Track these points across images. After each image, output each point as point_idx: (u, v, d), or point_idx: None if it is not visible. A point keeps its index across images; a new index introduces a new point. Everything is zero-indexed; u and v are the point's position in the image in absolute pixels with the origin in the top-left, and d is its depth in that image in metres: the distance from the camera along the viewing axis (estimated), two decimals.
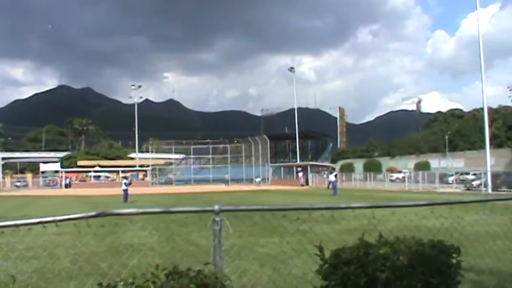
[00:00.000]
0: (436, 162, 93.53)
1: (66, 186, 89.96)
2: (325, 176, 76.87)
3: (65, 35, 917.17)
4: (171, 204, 33.88)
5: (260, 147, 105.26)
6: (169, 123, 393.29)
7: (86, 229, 5.16)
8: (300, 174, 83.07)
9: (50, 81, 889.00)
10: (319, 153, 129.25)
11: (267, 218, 6.08)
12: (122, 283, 3.89)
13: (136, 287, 3.85)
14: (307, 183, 78.80)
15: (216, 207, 4.59)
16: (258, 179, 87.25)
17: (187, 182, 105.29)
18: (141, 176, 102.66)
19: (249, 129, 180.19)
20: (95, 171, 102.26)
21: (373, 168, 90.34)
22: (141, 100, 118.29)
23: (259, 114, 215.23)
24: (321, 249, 4.60)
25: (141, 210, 4.76)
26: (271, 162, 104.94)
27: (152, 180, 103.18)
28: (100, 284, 3.88)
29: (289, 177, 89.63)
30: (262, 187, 75.17)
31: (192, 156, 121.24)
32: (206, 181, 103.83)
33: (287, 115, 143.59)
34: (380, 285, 4.36)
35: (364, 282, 4.36)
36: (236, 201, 38.02)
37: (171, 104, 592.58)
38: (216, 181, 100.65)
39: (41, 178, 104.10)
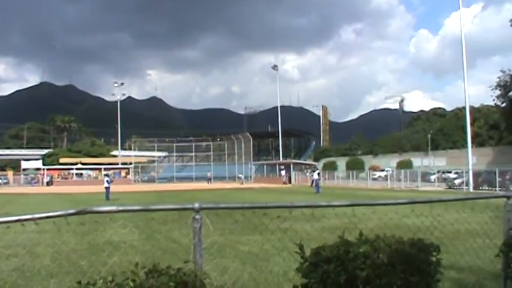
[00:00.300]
0: (419, 161, 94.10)
1: (48, 183, 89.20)
2: (307, 174, 77.12)
3: (47, 31, 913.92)
4: (153, 202, 33.81)
5: (243, 145, 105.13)
6: (152, 121, 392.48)
7: (66, 227, 5.14)
8: (283, 172, 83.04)
9: (31, 78, 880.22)
10: (302, 151, 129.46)
11: (248, 216, 6.08)
12: (101, 281, 3.85)
13: (115, 285, 3.80)
14: (290, 181, 78.88)
15: (196, 205, 4.56)
16: (241, 175, 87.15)
17: (169, 179, 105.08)
18: (123, 173, 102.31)
19: (232, 127, 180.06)
20: (77, 169, 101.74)
21: (356, 166, 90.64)
22: (124, 97, 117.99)
23: (242, 112, 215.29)
24: (301, 247, 4.60)
25: (121, 208, 4.71)
26: (254, 160, 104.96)
27: (135, 178, 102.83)
28: (79, 282, 3.85)
29: (272, 175, 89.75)
30: (245, 185, 75.09)
31: (174, 154, 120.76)
32: (189, 179, 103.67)
33: (270, 113, 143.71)
34: (360, 283, 4.36)
35: (344, 280, 4.36)
36: (218, 199, 38.02)
37: (154, 101, 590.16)
38: (198, 179, 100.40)
39: (22, 175, 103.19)
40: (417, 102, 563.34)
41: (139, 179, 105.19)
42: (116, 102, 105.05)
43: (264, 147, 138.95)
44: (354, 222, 6.45)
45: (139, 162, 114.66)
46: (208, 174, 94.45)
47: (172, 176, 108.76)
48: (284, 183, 77.43)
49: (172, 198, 41.66)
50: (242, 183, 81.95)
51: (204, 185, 79.26)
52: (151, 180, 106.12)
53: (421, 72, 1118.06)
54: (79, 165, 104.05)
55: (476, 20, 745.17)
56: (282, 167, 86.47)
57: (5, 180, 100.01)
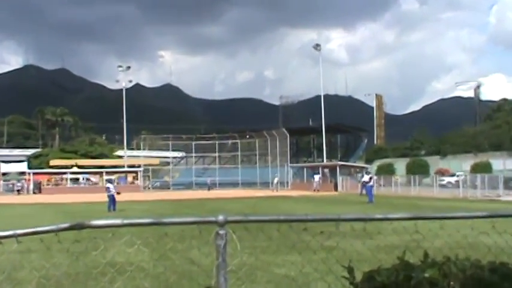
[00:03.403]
0: (500, 163, 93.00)
1: (35, 191, 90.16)
2: (359, 179, 76.67)
3: (32, 2, 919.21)
4: (167, 214, 34.00)
5: (278, 143, 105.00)
6: (165, 114, 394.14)
7: (57, 246, 5.13)
8: (316, 177, 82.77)
9: (13, 60, 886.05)
10: (350, 151, 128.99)
11: (284, 231, 6.05)
12: None
13: None
14: (336, 189, 78.76)
15: (221, 218, 4.53)
16: (276, 179, 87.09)
17: (188, 186, 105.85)
18: (130, 178, 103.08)
19: (265, 121, 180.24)
20: (73, 173, 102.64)
21: (418, 170, 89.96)
22: (131, 85, 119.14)
23: (277, 102, 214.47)
24: (350, 270, 4.56)
25: (126, 221, 4.69)
26: (291, 162, 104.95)
27: (144, 184, 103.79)
28: None
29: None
30: (281, 192, 75.26)
31: (193, 154, 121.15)
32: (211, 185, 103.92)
33: (311, 104, 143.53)
34: None
35: None
36: (248, 210, 38.10)
37: (168, 89, 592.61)
38: (223, 185, 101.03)
39: (1, 182, 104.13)
40: (498, 88, 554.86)
41: (149, 186, 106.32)
42: (121, 90, 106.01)
43: (304, 146, 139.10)
44: (416, 239, 6.40)
45: (150, 165, 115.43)
46: (209, 181, 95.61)
47: (190, 181, 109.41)
48: (315, 190, 77.61)
49: (190, 208, 42.15)
50: (277, 190, 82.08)
51: (230, 192, 79.43)
52: (164, 186, 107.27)
53: (504, 50, 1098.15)
54: (75, 169, 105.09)
55: None
56: (320, 170, 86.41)
57: None
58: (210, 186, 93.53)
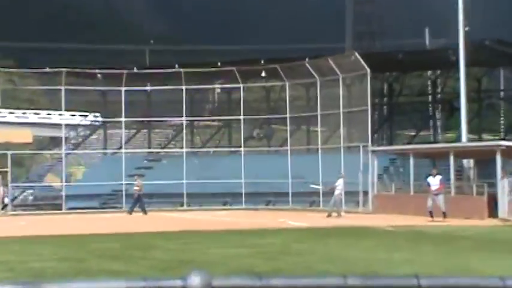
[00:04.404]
0: None
1: None
2: None
3: None
4: (53, 273, 34.10)
5: (342, 92, 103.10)
6: (52, 11, 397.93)
7: None
8: (434, 182, 79.62)
9: None
10: None
11: None
12: None
13: None
14: (492, 211, 77.62)
15: (196, 283, 4.50)
16: (340, 183, 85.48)
17: (108, 201, 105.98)
18: None
19: (308, 33, 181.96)
20: None
21: None
22: None
23: None
24: None
25: None
26: (375, 143, 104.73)
27: None
28: None
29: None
30: (350, 218, 75.41)
31: (123, 118, 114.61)
32: (172, 199, 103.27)
33: None
34: None
35: None
36: (264, 264, 38.31)
37: None
38: (201, 198, 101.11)
39: None
40: None
41: (8, 199, 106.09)
42: None
43: (408, 101, 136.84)
44: None
45: (9, 146, 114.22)
46: (136, 188, 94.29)
47: (116, 188, 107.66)
48: (430, 214, 76.07)
49: (118, 259, 41.81)
50: (339, 212, 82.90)
51: (217, 216, 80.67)
52: (49, 201, 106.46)
53: None
54: None
55: None
56: (451, 163, 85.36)
57: None
58: (136, 203, 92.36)
